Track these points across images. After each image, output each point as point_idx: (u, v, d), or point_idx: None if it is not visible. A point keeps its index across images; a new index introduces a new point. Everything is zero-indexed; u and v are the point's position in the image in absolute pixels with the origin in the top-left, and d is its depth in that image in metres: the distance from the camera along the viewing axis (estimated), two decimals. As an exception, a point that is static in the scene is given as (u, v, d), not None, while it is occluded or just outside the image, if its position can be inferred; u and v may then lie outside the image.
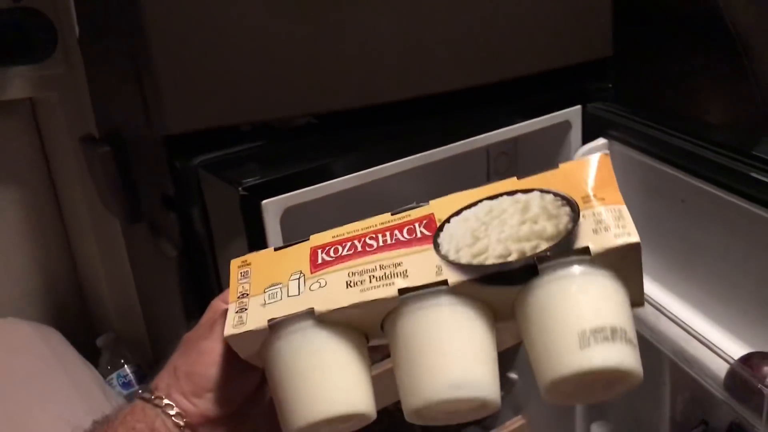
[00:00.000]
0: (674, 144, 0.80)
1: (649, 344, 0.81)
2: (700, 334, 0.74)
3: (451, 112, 0.90)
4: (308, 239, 0.45)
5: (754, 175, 0.70)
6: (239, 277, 0.45)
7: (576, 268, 0.37)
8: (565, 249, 0.37)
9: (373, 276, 0.40)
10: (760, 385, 0.65)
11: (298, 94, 0.80)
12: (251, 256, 0.45)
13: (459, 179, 1.05)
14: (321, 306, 0.40)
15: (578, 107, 0.92)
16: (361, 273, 0.41)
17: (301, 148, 0.85)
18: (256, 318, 0.41)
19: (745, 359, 0.70)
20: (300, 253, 0.44)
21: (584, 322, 0.37)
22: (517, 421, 1.21)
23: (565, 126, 0.93)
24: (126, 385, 1.10)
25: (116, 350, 1.13)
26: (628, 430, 1.01)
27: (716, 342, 0.74)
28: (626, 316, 0.38)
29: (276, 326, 0.41)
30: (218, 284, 0.86)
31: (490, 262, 0.38)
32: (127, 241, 1.11)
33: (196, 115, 0.77)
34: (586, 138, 0.93)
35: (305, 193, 0.77)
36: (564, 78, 0.92)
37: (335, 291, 0.40)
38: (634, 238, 0.37)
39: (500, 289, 0.39)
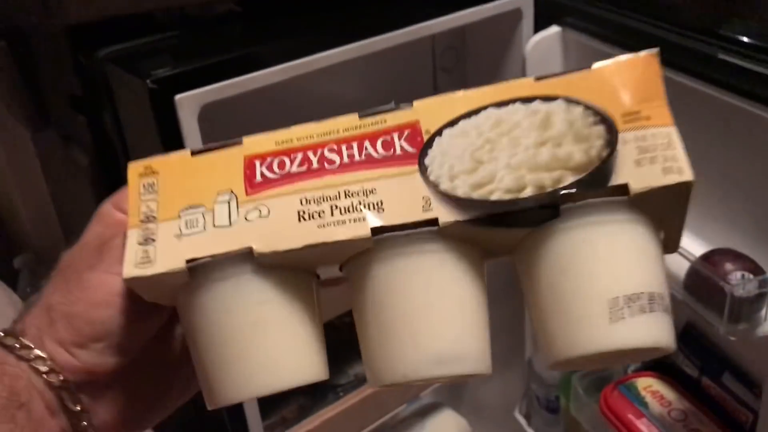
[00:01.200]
0: (635, 27, 0.74)
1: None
2: (658, 233, 0.70)
3: (391, -1, 0.81)
4: (240, 142, 0.33)
5: (721, 56, 0.64)
6: (141, 190, 0.33)
7: (609, 212, 0.29)
8: (597, 185, 0.29)
9: (336, 206, 0.30)
10: (721, 282, 0.61)
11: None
12: (158, 162, 0.33)
13: (401, 77, 0.97)
14: (263, 245, 0.30)
15: (530, -8, 0.85)
16: (318, 201, 0.31)
17: (222, 39, 0.77)
18: (168, 255, 0.31)
19: (706, 257, 0.66)
20: (229, 162, 0.32)
21: (617, 286, 0.29)
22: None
23: (516, 14, 0.86)
24: (48, 307, 1.02)
25: (36, 271, 1.06)
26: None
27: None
28: (663, 276, 0.30)
29: (199, 270, 0.30)
30: (135, 193, 0.79)
31: (496, 197, 0.29)
32: (38, 151, 1.02)
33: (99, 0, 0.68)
34: (539, 27, 0.86)
35: (226, 88, 0.69)
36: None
37: (282, 224, 0.30)
38: (687, 175, 0.29)
39: (504, 230, 0.30)
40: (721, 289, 0.61)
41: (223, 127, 0.83)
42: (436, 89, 1.02)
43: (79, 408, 0.33)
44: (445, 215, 0.30)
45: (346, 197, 0.30)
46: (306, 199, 0.31)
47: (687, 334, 0.81)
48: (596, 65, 0.31)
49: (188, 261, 0.30)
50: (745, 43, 0.64)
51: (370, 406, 1.12)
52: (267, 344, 0.31)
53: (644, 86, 0.30)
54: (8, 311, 0.93)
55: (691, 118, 0.76)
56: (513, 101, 0.31)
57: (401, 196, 0.30)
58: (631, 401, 0.80)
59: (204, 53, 0.71)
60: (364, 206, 0.30)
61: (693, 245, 0.70)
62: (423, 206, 0.30)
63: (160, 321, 0.34)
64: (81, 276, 0.33)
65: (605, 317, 0.29)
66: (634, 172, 0.29)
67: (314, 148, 0.32)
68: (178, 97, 0.66)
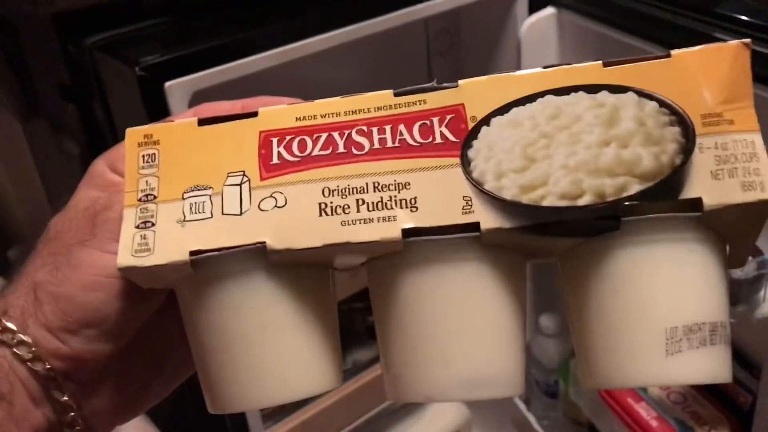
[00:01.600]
0: (631, 7, 0.72)
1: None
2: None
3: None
4: (255, 114, 0.29)
5: (718, 35, 0.63)
6: (140, 162, 0.29)
7: (677, 230, 0.26)
8: (666, 198, 0.25)
9: (363, 201, 0.27)
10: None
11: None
12: (160, 129, 0.29)
13: (395, 62, 0.96)
14: (278, 241, 0.27)
15: (524, -27, 0.84)
16: (343, 193, 0.27)
17: (213, 24, 0.76)
18: (169, 243, 0.27)
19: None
20: (242, 137, 0.28)
21: (677, 315, 0.26)
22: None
23: (511, -5, 0.85)
24: (43, 298, 1.01)
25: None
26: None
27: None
28: (727, 302, 0.27)
29: (204, 263, 0.27)
30: (127, 182, 0.78)
31: (548, 202, 0.26)
32: (30, 141, 1.00)
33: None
34: (534, 9, 0.85)
35: (216, 74, 0.68)
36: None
37: (301, 217, 0.27)
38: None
39: (553, 240, 0.27)
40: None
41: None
42: (430, 74, 1.01)
43: (66, 398, 0.30)
44: (488, 220, 0.26)
45: (375, 191, 0.27)
46: (329, 190, 0.27)
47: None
48: (676, 52, 0.27)
49: (192, 253, 0.27)
50: (743, 21, 0.63)
51: (368, 392, 1.12)
52: (278, 351, 0.28)
53: (730, 83, 0.26)
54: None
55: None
56: (576, 89, 0.27)
57: (439, 194, 0.27)
58: (630, 385, 0.79)
59: (194, 39, 0.70)
60: (396, 203, 0.26)
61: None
62: (463, 207, 0.26)
63: (157, 304, 0.31)
64: (71, 251, 0.29)
65: (661, 349, 0.26)
66: (710, 185, 0.25)
67: (341, 128, 0.28)
68: (167, 84, 0.65)
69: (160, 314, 0.32)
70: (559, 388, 0.99)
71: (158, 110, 0.66)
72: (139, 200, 0.28)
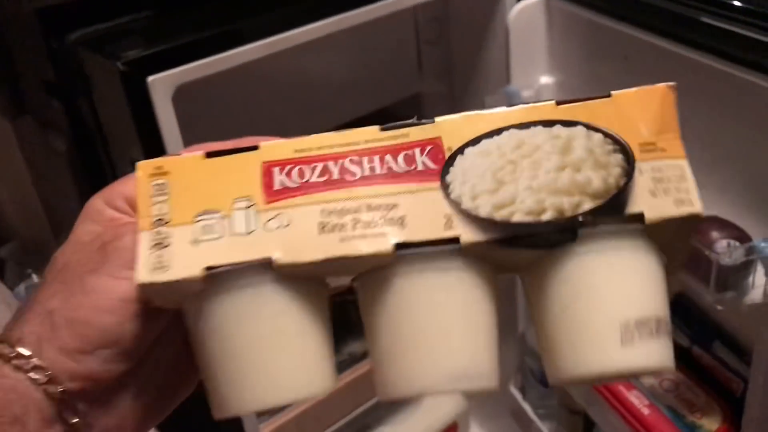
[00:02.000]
0: (617, -7, 0.71)
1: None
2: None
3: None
4: (257, 147, 0.32)
5: (704, 19, 0.62)
6: (153, 192, 0.32)
7: (624, 239, 0.31)
8: (614, 213, 0.30)
9: (358, 220, 0.31)
10: (707, 251, 0.60)
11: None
12: (169, 162, 0.32)
13: (385, 51, 0.96)
14: (284, 256, 0.30)
15: (512, -40, 0.83)
16: (340, 213, 0.31)
17: (197, 17, 0.75)
18: (185, 261, 0.30)
19: (693, 225, 0.65)
20: (246, 167, 0.32)
21: (630, 310, 0.30)
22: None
23: (498, -17, 0.84)
24: (36, 296, 1.01)
25: (22, 260, 1.04)
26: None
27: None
28: (667, 301, 0.32)
29: (215, 278, 0.30)
30: (114, 177, 0.77)
31: (517, 218, 0.30)
32: (19, 139, 1.00)
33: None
34: (522, -5, 0.84)
35: (200, 67, 0.67)
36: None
37: (303, 235, 0.30)
38: (697, 207, 0.30)
39: (521, 251, 0.31)
40: (706, 258, 0.59)
41: (201, 108, 0.82)
42: (420, 63, 1.00)
43: (76, 420, 0.31)
44: (468, 234, 0.30)
45: (368, 211, 0.31)
46: (327, 211, 0.31)
47: (677, 303, 0.80)
48: (615, 93, 0.32)
49: (208, 268, 0.30)
50: (729, 5, 0.62)
51: (364, 384, 1.12)
52: (280, 357, 0.31)
53: (661, 118, 0.32)
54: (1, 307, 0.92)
55: (676, 83, 0.75)
56: (534, 123, 0.32)
57: (423, 213, 0.31)
58: (622, 373, 0.79)
59: (178, 33, 0.69)
60: (387, 221, 0.30)
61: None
62: (445, 224, 0.30)
63: (164, 324, 0.33)
64: (83, 280, 0.31)
65: (617, 340, 0.30)
66: (649, 202, 0.30)
67: (335, 158, 0.32)
68: (150, 78, 0.65)
69: (163, 335, 0.34)
70: (554, 377, 0.99)
71: (141, 105, 0.65)
72: (153, 224, 0.31)
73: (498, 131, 0.32)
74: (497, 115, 0.32)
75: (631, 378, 0.29)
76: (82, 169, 0.80)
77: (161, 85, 0.65)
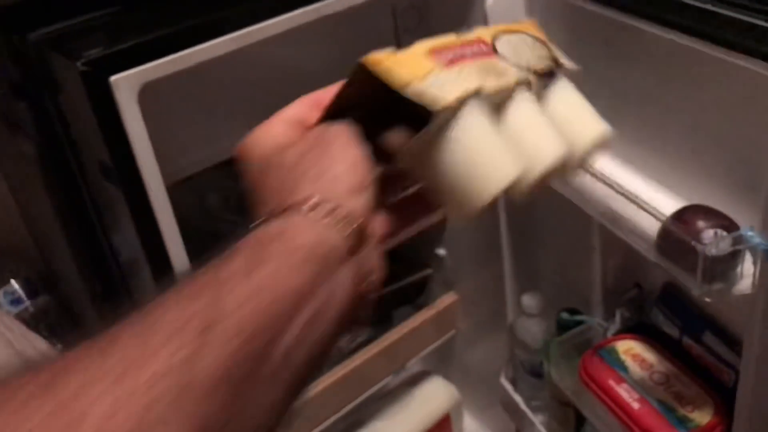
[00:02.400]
0: (596, -26, 0.69)
1: (574, 206, 0.73)
2: (629, 192, 0.67)
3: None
4: (413, 45, 0.44)
5: (684, 0, 0.60)
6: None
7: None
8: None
9: (496, 69, 0.44)
10: (693, 242, 0.58)
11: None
12: (383, 58, 0.43)
13: (362, 41, 0.93)
14: (486, 86, 0.42)
15: (488, -56, 0.80)
16: (486, 69, 0.44)
17: (163, 13, 0.72)
18: (447, 89, 0.41)
19: (678, 215, 0.62)
20: (418, 57, 0.43)
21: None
22: (449, 298, 1.16)
23: (476, -32, 0.82)
24: (15, 302, 0.99)
25: (1, 265, 1.02)
26: (560, 298, 0.96)
27: (649, 200, 0.66)
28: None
29: (461, 102, 0.41)
30: (84, 181, 0.75)
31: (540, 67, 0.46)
32: (-9, 142, 0.98)
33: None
34: (500, -20, 0.82)
35: (165, 65, 0.65)
36: None
37: (480, 78, 0.43)
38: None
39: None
40: (693, 249, 0.57)
41: (171, 105, 0.80)
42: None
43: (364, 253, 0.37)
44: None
45: (494, 69, 0.44)
46: (481, 68, 0.43)
47: (666, 293, 0.78)
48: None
49: (464, 91, 0.41)
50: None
51: (357, 378, 1.10)
52: (494, 153, 0.41)
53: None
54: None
55: (658, 68, 0.73)
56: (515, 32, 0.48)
57: (505, 68, 0.45)
58: (612, 366, 0.77)
59: (142, 29, 0.67)
60: (504, 72, 0.44)
61: (665, 203, 0.67)
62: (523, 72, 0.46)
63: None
64: (324, 152, 0.39)
65: (598, 117, 0.47)
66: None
67: (460, 46, 0.45)
68: (113, 78, 0.62)
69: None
70: (544, 369, 0.97)
71: (105, 106, 0.63)
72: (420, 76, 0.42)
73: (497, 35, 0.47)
74: (484, 31, 0.47)
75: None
76: (51, 172, 0.78)
77: (125, 84, 0.63)
